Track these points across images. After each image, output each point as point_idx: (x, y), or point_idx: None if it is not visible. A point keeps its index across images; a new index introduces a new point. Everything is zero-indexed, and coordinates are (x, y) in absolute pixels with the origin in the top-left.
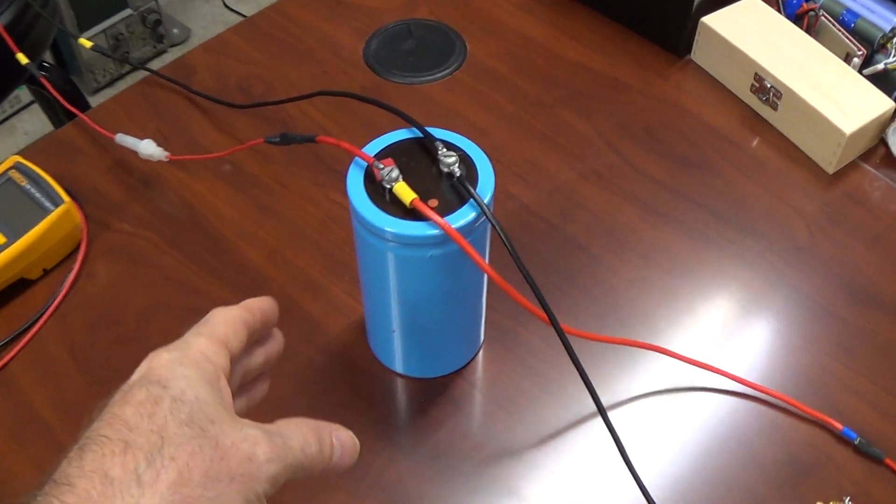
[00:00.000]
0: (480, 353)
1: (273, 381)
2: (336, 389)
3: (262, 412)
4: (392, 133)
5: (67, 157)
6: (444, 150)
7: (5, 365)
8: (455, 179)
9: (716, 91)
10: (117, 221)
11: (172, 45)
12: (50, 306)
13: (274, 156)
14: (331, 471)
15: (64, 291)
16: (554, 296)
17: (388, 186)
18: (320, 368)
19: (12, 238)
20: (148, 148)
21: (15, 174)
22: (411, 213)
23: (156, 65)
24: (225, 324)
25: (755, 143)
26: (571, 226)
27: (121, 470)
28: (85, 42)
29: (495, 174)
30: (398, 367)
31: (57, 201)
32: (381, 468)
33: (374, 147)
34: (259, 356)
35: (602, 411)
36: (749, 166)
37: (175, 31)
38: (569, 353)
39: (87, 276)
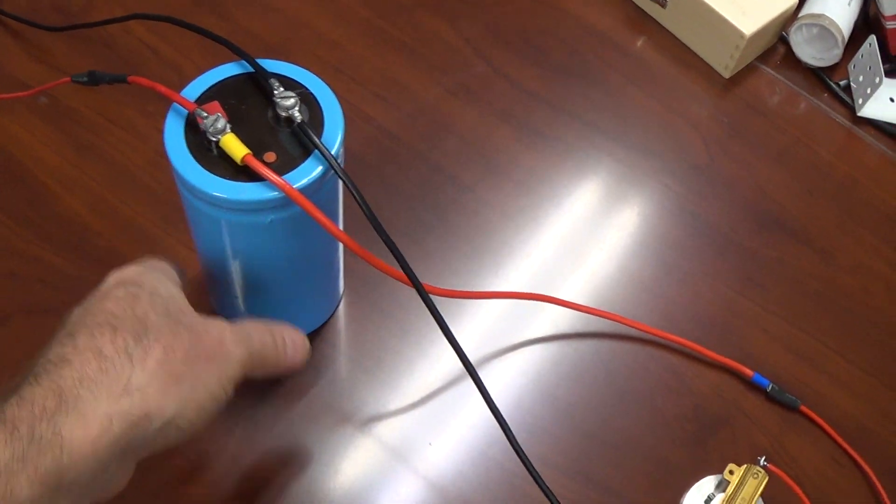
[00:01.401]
0: (340, 307)
1: None
2: None
3: None
4: (220, 67)
5: None
6: (282, 88)
7: None
8: (295, 126)
9: None
10: None
11: None
12: None
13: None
14: (285, 366)
15: None
16: (423, 236)
17: (214, 139)
18: None
19: None
20: None
21: None
22: (244, 172)
23: None
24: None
25: (641, 43)
26: (438, 152)
27: (112, 348)
28: None
29: (349, 97)
30: None
31: None
32: (236, 453)
33: (197, 87)
34: None
35: (473, 374)
36: (637, 73)
37: None
38: (436, 318)
39: None
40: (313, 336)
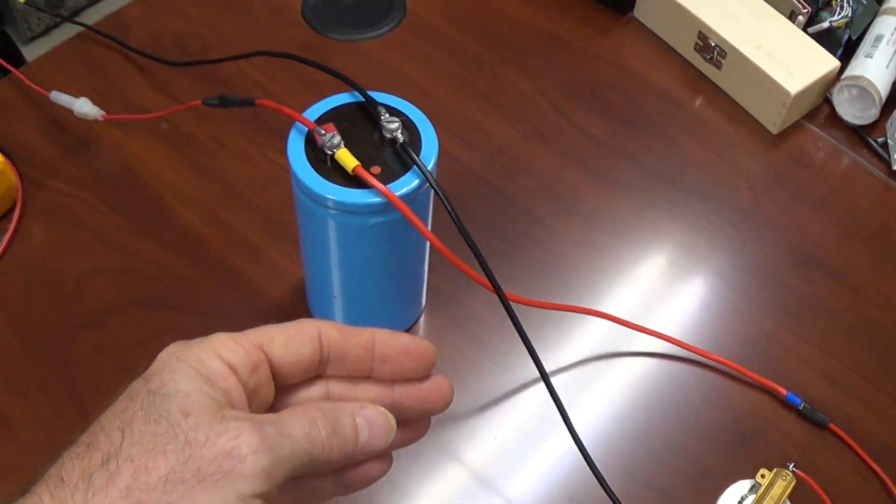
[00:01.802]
0: (422, 318)
1: None
2: None
3: None
4: (333, 97)
5: (0, 114)
6: (387, 115)
7: None
8: (398, 146)
9: (659, 50)
10: (53, 181)
11: None
12: None
13: (211, 115)
14: (360, 455)
15: None
16: (496, 260)
17: (330, 153)
18: None
19: None
20: (83, 106)
21: None
22: (353, 181)
23: (92, 14)
24: (280, 330)
25: (699, 102)
26: (514, 188)
27: (77, 472)
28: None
29: (438, 137)
30: None
31: None
32: None
33: (315, 111)
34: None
35: (545, 377)
36: (693, 126)
37: None
38: (513, 321)
39: (22, 237)
40: None
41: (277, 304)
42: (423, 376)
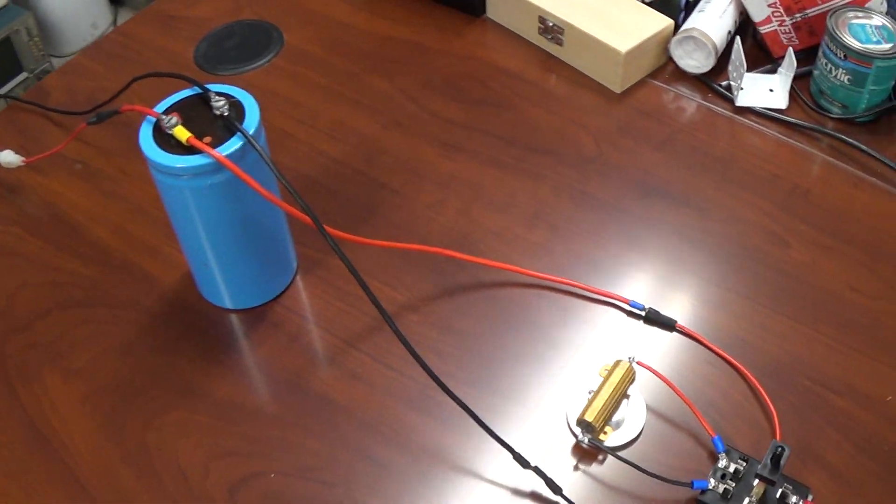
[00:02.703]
0: (298, 281)
1: (119, 330)
2: (171, 328)
3: (113, 355)
4: (178, 93)
5: None
6: (216, 97)
7: None
8: (225, 119)
9: (510, 41)
10: None
11: None
12: None
13: (116, 149)
14: None
15: None
16: (357, 226)
17: (169, 131)
18: (158, 314)
19: None
20: (7, 157)
21: None
22: (192, 151)
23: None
24: None
25: (548, 79)
26: (375, 169)
27: None
28: None
29: (308, 139)
30: (224, 302)
31: None
32: (210, 384)
33: (162, 105)
34: None
35: (382, 312)
36: (542, 99)
37: None
38: (336, 251)
39: None
40: (274, 302)
41: (172, 290)
42: None
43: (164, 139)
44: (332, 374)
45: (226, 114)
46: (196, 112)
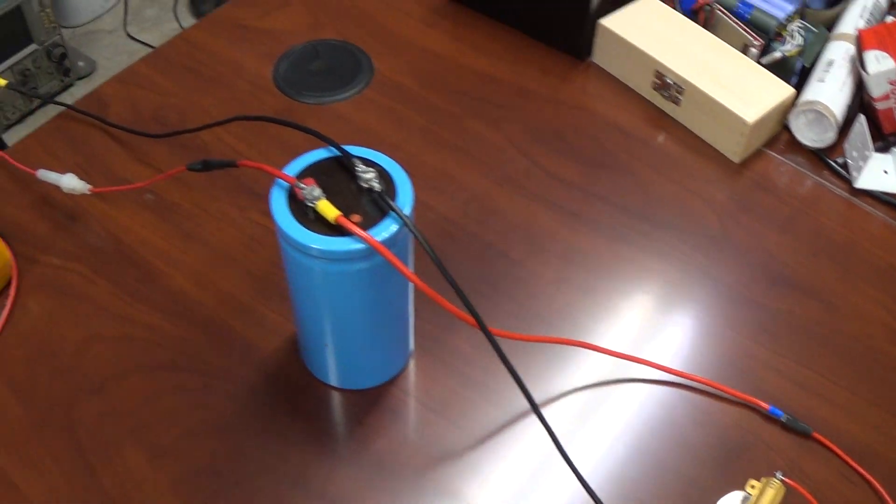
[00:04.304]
0: (412, 362)
1: (213, 403)
2: (275, 406)
3: (205, 432)
4: (310, 153)
5: None
6: (362, 166)
7: None
8: (375, 194)
9: (619, 91)
10: (45, 255)
11: (79, 78)
12: None
13: (194, 182)
14: None
15: None
16: (478, 302)
17: (311, 205)
18: (258, 388)
19: None
20: (70, 182)
21: None
22: (336, 230)
23: (66, 99)
24: None
25: (661, 138)
26: (490, 233)
27: None
28: None
29: (412, 184)
30: (332, 380)
31: None
32: (325, 480)
33: (294, 168)
34: None
35: (535, 408)
36: (657, 162)
37: (80, 63)
38: (498, 353)
39: (20, 312)
40: (390, 385)
41: (272, 359)
42: None
43: (299, 209)
44: (460, 472)
45: (377, 188)
46: (333, 179)
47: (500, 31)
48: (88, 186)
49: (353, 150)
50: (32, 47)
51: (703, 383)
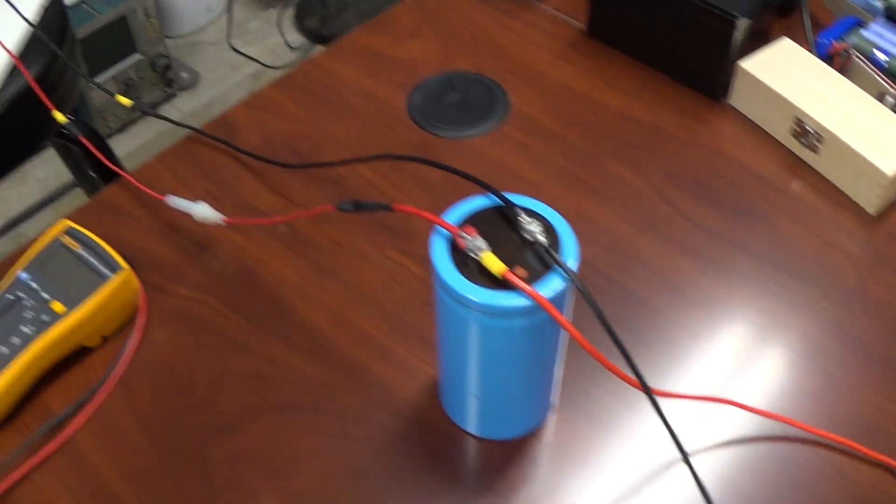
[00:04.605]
0: (554, 413)
1: (350, 448)
2: (414, 453)
3: (342, 478)
4: (469, 200)
5: (114, 220)
6: (526, 217)
7: (72, 436)
8: (541, 248)
9: (755, 135)
10: (174, 286)
11: (181, 89)
12: (112, 375)
13: (328, 214)
14: None
15: (126, 360)
16: (610, 347)
17: (475, 256)
18: (396, 432)
19: (71, 307)
20: (203, 211)
21: (66, 239)
22: (497, 282)
23: (170, 110)
24: None
25: (798, 186)
26: (631, 280)
27: None
28: (124, 100)
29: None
30: (474, 429)
31: (114, 267)
32: None
33: (453, 215)
34: None
35: (689, 465)
36: (793, 210)
37: (183, 74)
38: (659, 415)
39: (148, 343)
40: (532, 436)
41: (411, 404)
42: None
43: (461, 257)
44: None
45: (541, 241)
46: (493, 228)
47: (636, 69)
48: (222, 217)
49: (514, 198)
50: (136, 57)
51: (840, 442)
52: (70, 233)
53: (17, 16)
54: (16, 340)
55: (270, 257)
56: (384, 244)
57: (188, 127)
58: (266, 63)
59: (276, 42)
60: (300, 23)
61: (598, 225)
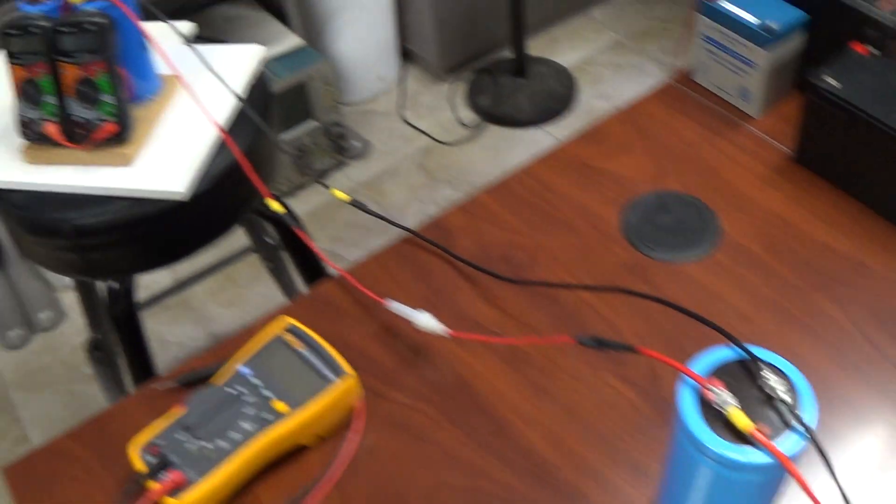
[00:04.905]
0: None
1: None
2: None
3: None
4: (713, 350)
5: (331, 317)
6: (771, 375)
7: None
8: (787, 409)
9: None
10: (391, 390)
11: (352, 158)
12: (328, 478)
13: (541, 324)
14: None
15: (342, 463)
16: None
17: (721, 410)
18: None
19: (294, 407)
20: (427, 322)
21: (288, 337)
22: (740, 435)
23: (340, 179)
24: None
25: None
26: (837, 422)
27: None
28: (341, 195)
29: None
30: None
31: (339, 371)
32: None
33: (699, 365)
34: None
35: None
36: None
37: (355, 143)
38: None
39: (365, 448)
40: None
41: None
42: None
43: (706, 407)
44: None
45: (786, 401)
46: (735, 380)
47: (842, 199)
48: (447, 330)
49: (756, 350)
50: (312, 124)
51: None
52: (292, 330)
53: (223, 92)
54: (236, 436)
55: (487, 370)
56: (601, 367)
57: (405, 229)
58: (437, 138)
59: (447, 117)
60: (472, 100)
61: (803, 362)
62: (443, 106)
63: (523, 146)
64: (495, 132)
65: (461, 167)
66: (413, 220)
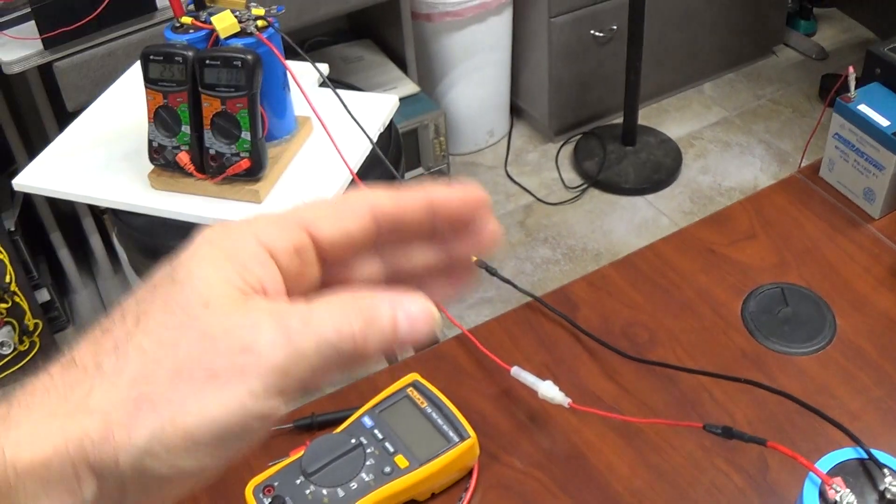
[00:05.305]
0: None
1: None
2: None
3: None
4: (840, 451)
5: (453, 376)
6: (891, 479)
7: None
8: None
9: None
10: (507, 455)
11: None
12: None
13: (658, 407)
14: (398, 346)
15: None
16: None
17: None
18: None
19: (415, 464)
20: (550, 391)
21: (413, 393)
22: None
23: None
24: (328, 206)
25: None
26: None
27: (89, 356)
28: None
29: None
30: None
31: (461, 433)
32: None
33: (824, 464)
34: (423, 252)
35: None
36: None
37: None
38: None
39: None
40: None
41: None
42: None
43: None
44: None
45: None
46: (856, 479)
47: None
48: (569, 401)
49: (880, 456)
50: (419, 171)
51: None
52: (417, 386)
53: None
54: (355, 485)
55: (602, 443)
56: (712, 450)
57: (531, 296)
58: (539, 196)
59: (550, 177)
60: (577, 163)
61: None
62: (547, 166)
63: (624, 213)
64: (597, 196)
65: (560, 228)
66: (509, 277)
